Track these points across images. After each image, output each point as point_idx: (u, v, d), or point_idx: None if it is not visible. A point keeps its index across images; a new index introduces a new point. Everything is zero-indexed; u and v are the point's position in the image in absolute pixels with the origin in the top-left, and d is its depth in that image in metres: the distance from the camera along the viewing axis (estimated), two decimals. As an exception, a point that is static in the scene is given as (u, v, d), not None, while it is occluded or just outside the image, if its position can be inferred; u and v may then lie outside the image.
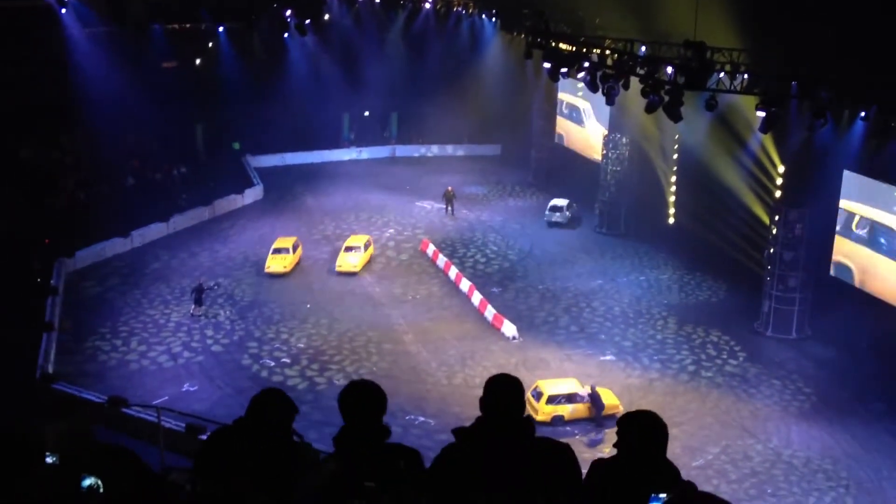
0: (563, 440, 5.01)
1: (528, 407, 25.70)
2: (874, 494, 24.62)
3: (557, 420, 26.89)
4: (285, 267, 37.17)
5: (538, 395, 27.18)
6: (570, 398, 27.23)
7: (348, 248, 38.45)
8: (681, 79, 26.60)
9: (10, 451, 4.14)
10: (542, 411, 26.61)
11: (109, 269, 37.65)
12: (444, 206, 46.26)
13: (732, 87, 27.24)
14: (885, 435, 27.27)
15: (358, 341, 32.06)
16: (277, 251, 37.74)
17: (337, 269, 37.64)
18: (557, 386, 27.73)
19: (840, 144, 30.28)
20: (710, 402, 28.93)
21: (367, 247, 38.95)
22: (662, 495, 4.43)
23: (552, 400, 27.04)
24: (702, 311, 35.50)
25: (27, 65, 40.11)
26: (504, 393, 4.91)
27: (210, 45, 49.74)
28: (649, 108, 28.02)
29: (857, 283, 31.97)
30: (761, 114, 27.11)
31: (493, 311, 33.84)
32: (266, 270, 37.16)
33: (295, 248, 38.39)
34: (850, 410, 28.55)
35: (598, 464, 4.93)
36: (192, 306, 33.52)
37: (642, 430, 4.83)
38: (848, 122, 29.43)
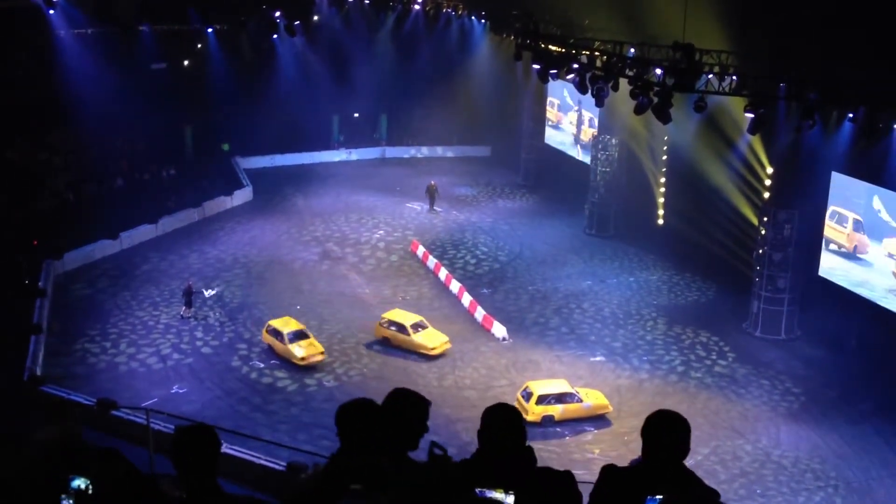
0: (553, 441, 4.96)
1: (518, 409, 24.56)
2: (863, 494, 24.72)
3: (547, 420, 26.92)
4: (323, 352, 30.45)
5: (528, 396, 27.20)
6: (560, 398, 27.28)
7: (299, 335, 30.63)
8: (670, 80, 26.66)
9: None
10: (531, 411, 26.68)
11: (98, 270, 37.48)
12: (428, 202, 46.68)
13: (721, 89, 27.33)
14: (873, 435, 27.38)
15: (348, 343, 32.00)
16: (297, 336, 30.38)
17: (302, 362, 29.88)
18: (547, 386, 27.76)
19: (828, 146, 30.42)
20: (700, 402, 28.99)
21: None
22: (659, 496, 4.40)
23: (542, 400, 27.07)
24: (691, 312, 35.60)
25: (14, 65, 39.97)
26: (501, 427, 4.76)
27: (199, 46, 49.65)
28: (638, 110, 28.06)
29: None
30: (750, 115, 27.22)
31: (483, 312, 33.85)
32: (302, 363, 29.70)
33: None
34: (838, 410, 28.66)
35: (610, 470, 4.72)
36: (183, 308, 33.45)
37: (672, 432, 4.65)
38: (836, 124, 29.58)
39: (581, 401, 27.35)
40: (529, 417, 26.47)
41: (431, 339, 31.16)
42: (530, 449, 4.80)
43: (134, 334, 31.97)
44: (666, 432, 4.65)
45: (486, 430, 4.78)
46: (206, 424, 4.96)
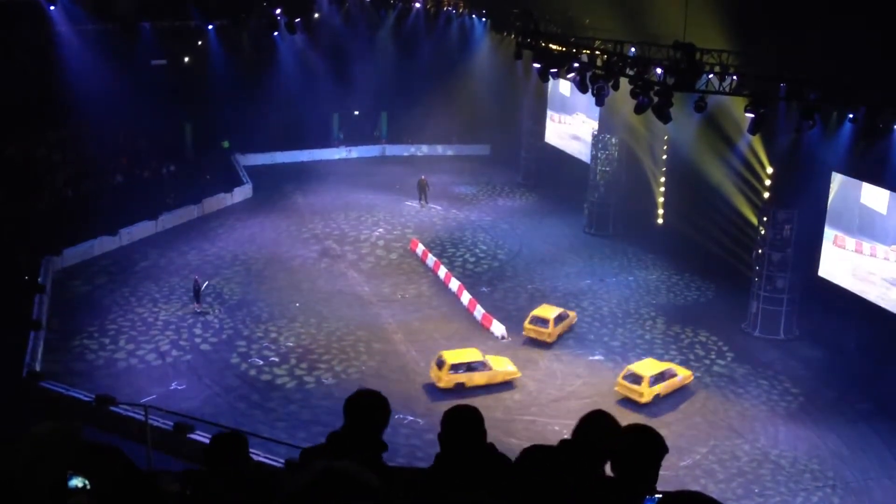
0: (537, 433, 4.89)
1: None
2: (860, 494, 24.73)
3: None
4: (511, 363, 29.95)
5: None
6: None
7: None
8: (670, 80, 26.66)
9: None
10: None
11: (97, 267, 37.48)
12: (418, 197, 46.92)
13: (721, 89, 27.31)
14: (871, 435, 27.41)
15: (347, 340, 32.01)
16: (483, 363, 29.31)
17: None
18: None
19: (828, 145, 30.43)
20: (698, 402, 29.01)
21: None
22: (658, 495, 4.39)
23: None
24: (690, 312, 35.61)
25: (14, 61, 39.87)
26: (461, 428, 4.66)
27: (199, 43, 49.57)
28: (638, 109, 28.07)
29: None
30: (750, 115, 27.21)
31: (482, 310, 33.86)
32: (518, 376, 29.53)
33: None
34: (836, 410, 28.68)
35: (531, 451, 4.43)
36: (195, 304, 33.52)
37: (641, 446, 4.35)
38: (836, 124, 29.58)
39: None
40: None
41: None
42: (491, 446, 4.71)
43: (133, 331, 31.96)
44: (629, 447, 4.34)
45: (445, 432, 4.69)
46: (239, 432, 5.06)
